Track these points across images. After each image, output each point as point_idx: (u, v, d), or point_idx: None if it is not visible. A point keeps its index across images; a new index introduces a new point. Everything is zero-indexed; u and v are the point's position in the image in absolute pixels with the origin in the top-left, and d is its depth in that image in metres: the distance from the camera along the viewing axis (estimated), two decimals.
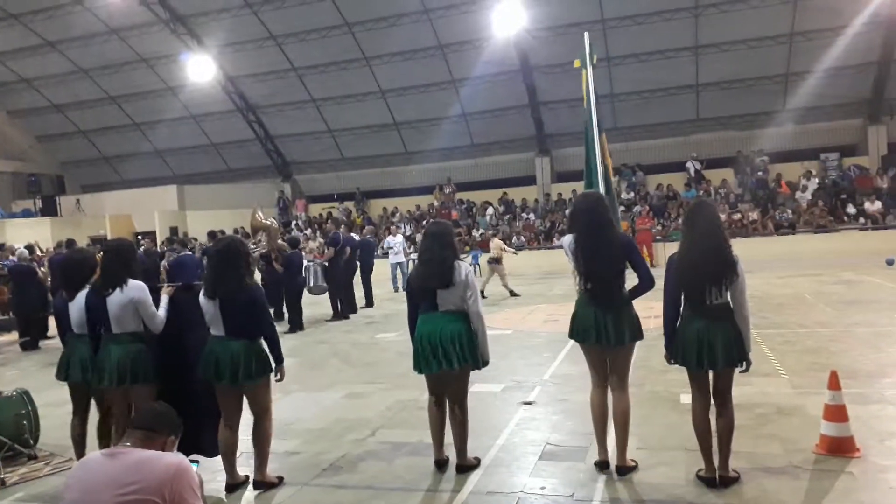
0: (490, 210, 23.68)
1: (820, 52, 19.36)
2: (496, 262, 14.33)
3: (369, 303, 14.07)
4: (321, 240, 19.72)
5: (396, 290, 16.69)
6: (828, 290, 12.00)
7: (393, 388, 6.96)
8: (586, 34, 6.92)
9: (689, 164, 22.19)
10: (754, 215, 19.82)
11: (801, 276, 14.03)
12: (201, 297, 4.38)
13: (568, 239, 4.42)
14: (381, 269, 16.37)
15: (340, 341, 10.24)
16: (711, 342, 3.89)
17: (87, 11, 21.84)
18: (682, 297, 4.04)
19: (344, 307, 12.82)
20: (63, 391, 5.18)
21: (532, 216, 23.03)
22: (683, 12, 19.54)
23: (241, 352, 4.28)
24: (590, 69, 6.58)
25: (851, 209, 19.44)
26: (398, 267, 17.18)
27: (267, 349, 4.43)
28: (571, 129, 22.47)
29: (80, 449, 4.93)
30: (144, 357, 4.48)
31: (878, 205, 19.08)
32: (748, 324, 3.97)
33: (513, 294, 14.06)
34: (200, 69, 22.76)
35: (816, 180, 20.76)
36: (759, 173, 21.21)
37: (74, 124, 27.32)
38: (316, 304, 13.05)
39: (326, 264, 13.10)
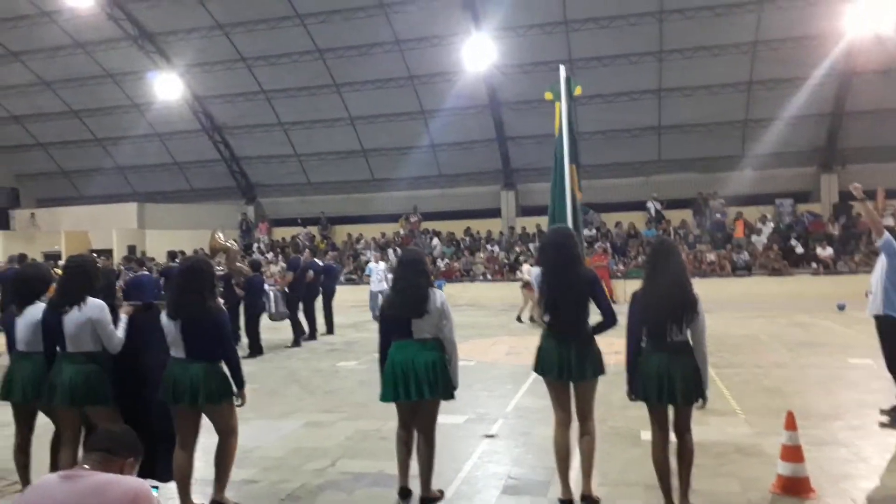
0: (435, 241, 23.71)
1: (778, 100, 20.09)
2: (528, 286, 14.43)
3: (330, 330, 13.92)
4: (283, 264, 19.56)
5: (376, 318, 16.51)
6: (783, 331, 12.29)
7: (354, 418, 6.85)
8: (562, 66, 7.03)
9: (649, 204, 22.67)
10: (712, 256, 20.30)
11: (757, 317, 14.36)
12: (163, 318, 4.28)
13: (535, 271, 4.46)
14: (343, 297, 16.25)
15: (300, 368, 10.08)
16: (671, 377, 3.96)
17: (54, 24, 21.48)
18: (644, 333, 4.10)
19: (299, 332, 12.64)
20: (5, 412, 4.96)
21: (496, 248, 23.18)
22: (648, 56, 20.15)
23: (202, 374, 4.18)
24: (564, 101, 6.66)
25: (801, 251, 20.08)
26: (379, 295, 17.01)
27: (230, 373, 4.34)
28: (537, 164, 22.80)
29: (24, 473, 4.72)
30: (99, 378, 4.33)
31: (829, 251, 19.72)
32: (706, 361, 4.06)
33: (519, 321, 14.55)
34: (168, 87, 22.52)
35: (771, 224, 21.40)
36: (717, 216, 21.77)
37: (33, 136, 26.67)
38: (275, 329, 12.84)
39: (286, 290, 12.96)
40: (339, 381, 9.06)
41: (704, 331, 4.04)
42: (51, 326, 4.36)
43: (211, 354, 4.25)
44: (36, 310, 4.56)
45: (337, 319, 14.29)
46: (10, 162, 28.15)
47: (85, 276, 4.43)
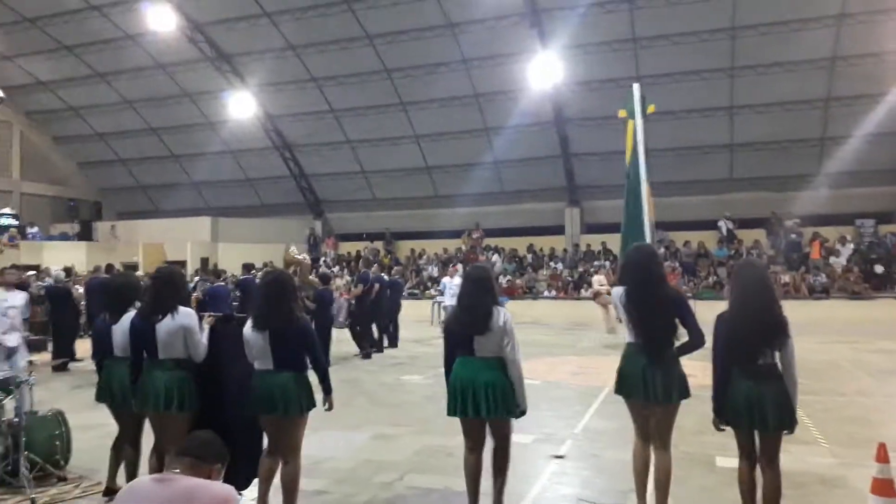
0: (495, 257, 23.63)
1: (857, 117, 19.32)
2: (598, 296, 14.29)
3: (394, 343, 14.05)
4: (348, 277, 19.91)
5: None
6: (865, 358, 11.71)
7: (421, 433, 6.88)
8: (636, 85, 6.96)
9: (721, 223, 22.06)
10: (787, 278, 19.56)
11: (837, 342, 13.73)
12: (248, 330, 4.40)
13: (619, 291, 4.39)
14: (406, 311, 16.34)
15: (367, 381, 10.20)
16: (762, 403, 3.82)
17: (138, 46, 22.64)
18: (731, 357, 3.97)
19: (368, 346, 12.83)
20: (94, 414, 5.20)
21: (560, 266, 22.97)
22: (719, 73, 19.72)
23: (291, 384, 4.31)
24: (639, 120, 6.59)
25: (882, 272, 19.13)
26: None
27: (319, 379, 4.45)
28: (602, 181, 22.53)
29: (114, 470, 4.92)
30: (189, 384, 4.50)
31: None
32: (797, 386, 3.90)
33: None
34: (241, 106, 23.39)
35: (851, 246, 20.49)
36: (793, 236, 20.99)
37: (115, 153, 28.06)
38: (340, 342, 13.04)
39: (353, 302, 13.19)
40: (404, 394, 9.13)
41: (794, 354, 3.90)
42: (141, 334, 4.54)
43: (298, 364, 4.37)
44: (131, 317, 4.76)
45: (400, 333, 14.41)
46: (95, 177, 29.68)
47: (174, 286, 4.63)
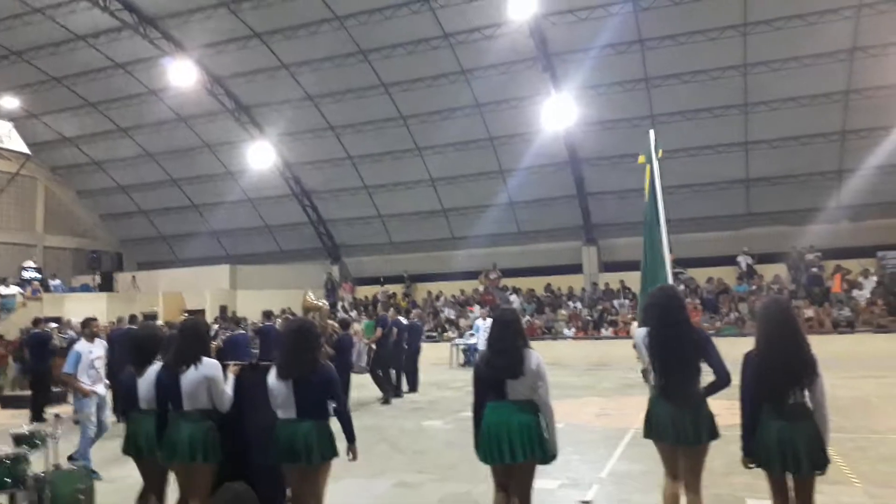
0: (513, 297, 23.56)
1: (873, 149, 19.27)
2: None
3: (414, 388, 13.95)
4: (365, 322, 19.94)
5: None
6: (895, 393, 11.44)
7: (444, 480, 6.80)
8: (651, 131, 7.05)
9: (740, 259, 21.88)
10: (810, 312, 19.26)
11: (864, 377, 13.45)
12: (272, 379, 4.41)
13: (641, 332, 4.37)
14: (423, 354, 16.26)
15: (387, 426, 10.11)
16: (794, 444, 3.75)
17: (160, 100, 23.29)
18: (760, 396, 3.92)
19: (389, 391, 12.76)
20: (118, 467, 5.20)
21: (579, 305, 22.83)
22: (733, 109, 19.84)
23: (313, 432, 4.30)
24: (655, 164, 6.66)
25: None
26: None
27: (342, 428, 4.45)
28: (619, 219, 22.55)
29: None
30: (214, 435, 4.50)
31: None
32: (828, 424, 3.82)
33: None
34: (260, 155, 23.82)
35: (874, 278, 20.19)
36: (814, 269, 20.75)
37: (136, 204, 28.59)
38: (359, 387, 12.99)
39: (373, 347, 13.19)
40: (426, 440, 9.03)
41: (825, 392, 3.84)
42: (166, 386, 4.57)
43: (321, 412, 4.37)
44: (156, 369, 4.80)
45: (420, 377, 14.31)
46: (116, 228, 30.20)
47: (199, 337, 4.67)
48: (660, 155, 6.73)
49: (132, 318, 12.27)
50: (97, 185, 28.30)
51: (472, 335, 17.24)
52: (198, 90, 22.01)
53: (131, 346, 5.13)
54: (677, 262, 22.35)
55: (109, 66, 22.13)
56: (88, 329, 8.17)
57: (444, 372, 17.73)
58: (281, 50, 20.70)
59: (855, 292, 19.93)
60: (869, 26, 17.26)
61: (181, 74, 20.96)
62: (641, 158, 6.87)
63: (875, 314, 18.70)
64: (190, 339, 4.61)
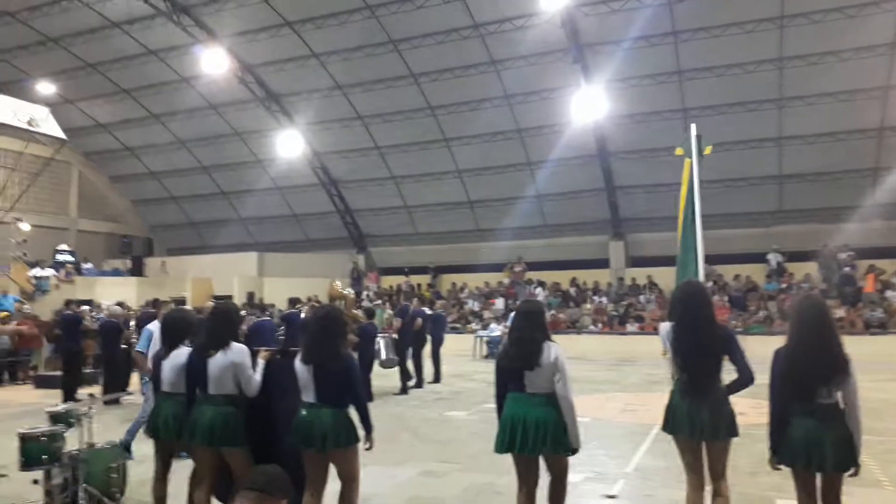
0: (538, 290, 23.45)
1: None
2: None
3: (437, 378, 13.98)
4: (389, 311, 19.99)
5: None
6: None
7: (468, 470, 6.82)
8: (693, 125, 6.95)
9: (770, 256, 21.55)
10: (841, 312, 18.89)
11: None
12: (297, 363, 4.45)
13: (666, 327, 4.34)
14: (447, 345, 16.27)
15: (410, 416, 10.17)
16: (821, 443, 3.70)
17: (192, 88, 23.55)
18: (788, 393, 3.86)
19: (408, 379, 12.79)
20: (145, 447, 5.28)
21: (605, 300, 22.68)
22: (767, 103, 19.49)
23: (331, 419, 4.32)
24: (695, 159, 6.58)
25: None
26: None
27: (359, 417, 4.46)
28: (647, 213, 22.36)
29: None
30: (236, 420, 4.56)
31: None
32: (860, 426, 3.76)
33: None
34: (289, 144, 23.99)
35: None
36: (846, 269, 20.35)
37: (168, 190, 29.00)
38: (383, 377, 13.05)
39: (396, 336, 13.21)
40: (449, 430, 9.06)
41: (857, 392, 3.77)
42: (195, 369, 4.64)
43: (340, 400, 4.39)
44: (181, 353, 4.86)
45: (443, 368, 14.34)
46: (147, 214, 30.68)
47: (229, 321, 4.73)
48: (708, 152, 6.63)
49: (155, 303, 12.45)
50: (129, 171, 28.76)
51: (506, 326, 17.24)
52: (229, 78, 22.22)
53: (162, 328, 5.20)
54: (706, 259, 22.14)
55: (143, 54, 22.43)
56: (158, 310, 8.29)
57: (467, 363, 17.76)
58: (311, 39, 20.79)
59: (888, 293, 19.51)
60: None
61: (213, 62, 21.17)
62: (679, 150, 6.79)
63: None
64: (221, 324, 4.67)
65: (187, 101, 24.16)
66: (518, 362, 4.32)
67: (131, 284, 24.76)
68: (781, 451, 3.87)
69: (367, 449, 4.53)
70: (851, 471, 3.78)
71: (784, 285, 20.73)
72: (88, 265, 26.49)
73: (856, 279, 20.25)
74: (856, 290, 19.93)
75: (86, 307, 15.33)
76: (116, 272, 27.53)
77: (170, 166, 27.75)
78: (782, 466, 3.92)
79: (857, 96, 18.58)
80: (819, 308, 3.94)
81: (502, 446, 4.35)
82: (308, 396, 4.42)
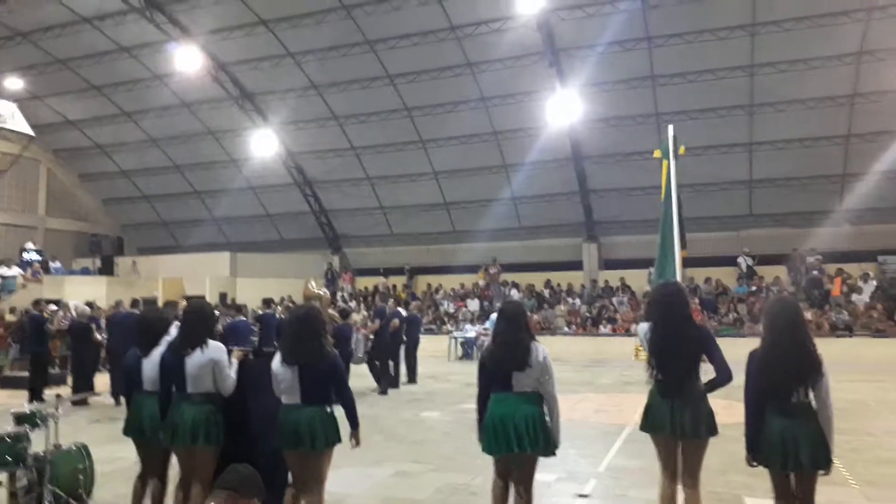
0: (513, 291, 23.59)
1: (877, 154, 19.26)
2: None
3: (412, 379, 13.98)
4: (364, 312, 19.94)
5: None
6: (892, 397, 11.50)
7: (442, 470, 6.82)
8: (671, 127, 7.05)
9: (740, 260, 21.89)
10: (809, 315, 19.26)
11: (862, 381, 13.46)
12: (276, 364, 4.41)
13: (644, 327, 4.39)
14: (421, 346, 16.25)
15: (385, 416, 10.14)
16: (797, 442, 3.77)
17: (165, 86, 23.23)
18: (764, 394, 3.93)
19: (385, 381, 12.77)
20: (114, 447, 5.20)
21: (578, 301, 22.85)
22: (738, 109, 19.81)
23: (317, 418, 4.31)
24: (672, 161, 6.67)
25: None
26: None
27: (347, 415, 4.47)
28: (621, 216, 22.62)
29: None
30: (216, 418, 4.53)
31: None
32: (832, 425, 3.84)
33: None
34: (264, 144, 23.79)
35: (874, 283, 20.20)
36: (814, 272, 20.76)
37: (139, 189, 28.57)
38: (356, 377, 12.99)
39: (372, 336, 13.21)
40: (424, 431, 9.06)
41: (829, 392, 3.86)
42: (171, 368, 4.58)
43: (325, 398, 4.38)
44: (161, 351, 4.78)
45: (418, 369, 14.32)
46: (118, 213, 30.19)
47: (205, 320, 4.67)
48: (682, 152, 6.73)
49: (135, 303, 12.28)
50: (100, 168, 28.28)
51: (486, 329, 17.32)
52: (202, 76, 21.95)
53: (139, 327, 5.11)
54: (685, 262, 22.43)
55: (115, 50, 22.06)
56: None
57: (442, 364, 17.77)
58: (287, 38, 20.64)
59: (854, 296, 19.95)
60: (878, 30, 17.20)
61: (186, 60, 20.91)
62: (657, 153, 6.88)
63: (874, 318, 18.74)
64: (196, 322, 4.62)
65: (160, 99, 23.82)
66: (508, 364, 4.34)
67: (101, 284, 24.36)
68: (757, 450, 3.94)
69: (354, 446, 4.52)
70: (825, 470, 3.86)
71: (754, 288, 21.07)
72: (57, 264, 26.00)
73: (823, 282, 20.66)
74: (823, 293, 20.34)
75: (54, 307, 15.04)
76: (86, 271, 27.05)
77: (141, 165, 27.34)
78: (756, 465, 3.99)
79: (825, 104, 18.98)
80: (792, 310, 4.02)
81: (493, 447, 4.35)
82: (292, 398, 4.38)
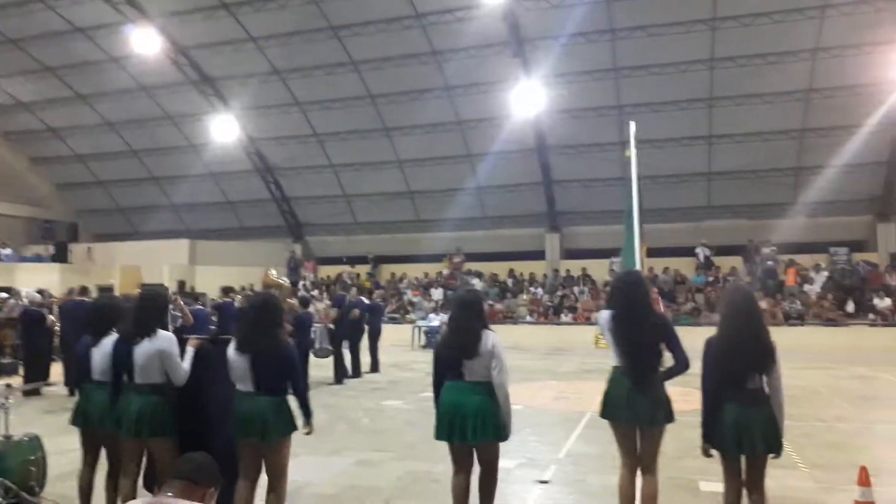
0: (476, 281, 23.73)
1: (831, 148, 19.77)
2: None
3: (375, 368, 13.92)
4: (327, 302, 19.78)
5: None
6: (842, 384, 11.86)
7: (403, 458, 6.82)
8: (632, 123, 7.14)
9: (699, 250, 22.33)
10: (763, 304, 19.75)
11: (813, 368, 13.88)
12: (231, 352, 4.35)
13: (605, 315, 4.43)
14: (385, 335, 16.22)
15: (346, 406, 10.09)
16: (750, 428, 3.86)
17: (121, 69, 22.61)
18: (720, 381, 4.01)
19: (341, 370, 12.69)
20: (68, 439, 5.07)
21: (540, 291, 23.05)
22: (698, 102, 20.14)
23: (270, 408, 4.24)
24: (633, 154, 6.78)
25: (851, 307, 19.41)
26: None
27: (299, 405, 4.41)
28: (583, 207, 22.86)
29: (86, 499, 4.81)
30: (163, 410, 4.43)
31: (887, 301, 19.06)
32: (783, 410, 3.94)
33: None
34: (224, 129, 23.33)
35: (825, 273, 20.82)
36: (769, 263, 21.29)
37: (94, 174, 27.82)
38: (318, 366, 12.92)
39: (332, 326, 13.09)
40: (385, 420, 9.04)
41: (781, 378, 3.96)
42: (121, 357, 4.47)
43: (279, 388, 4.31)
44: (110, 341, 4.67)
45: (381, 358, 14.29)
46: (72, 198, 29.37)
47: (156, 308, 4.56)
48: (627, 154, 6.85)
49: (83, 290, 11.97)
50: (53, 152, 27.45)
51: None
52: (161, 59, 21.42)
53: (90, 315, 4.98)
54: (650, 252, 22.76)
55: (69, 31, 21.38)
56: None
57: (405, 353, 17.75)
58: (248, 22, 20.26)
59: (806, 287, 20.54)
60: (831, 27, 17.66)
61: (144, 42, 20.37)
62: (628, 153, 6.99)
63: (825, 308, 19.32)
64: (147, 310, 4.51)
65: (116, 82, 23.20)
66: (457, 351, 4.35)
67: (54, 271, 23.72)
68: (713, 435, 4.01)
69: (306, 433, 4.47)
70: (775, 454, 3.96)
71: (711, 278, 21.53)
72: (7, 251, 25.23)
73: (777, 273, 21.21)
74: (777, 284, 20.90)
75: (4, 294, 14.59)
76: (38, 258, 26.29)
77: (97, 149, 26.61)
78: (714, 452, 4.06)
79: (781, 98, 19.41)
80: (749, 298, 4.12)
81: (442, 434, 4.38)
82: (245, 386, 4.31)
